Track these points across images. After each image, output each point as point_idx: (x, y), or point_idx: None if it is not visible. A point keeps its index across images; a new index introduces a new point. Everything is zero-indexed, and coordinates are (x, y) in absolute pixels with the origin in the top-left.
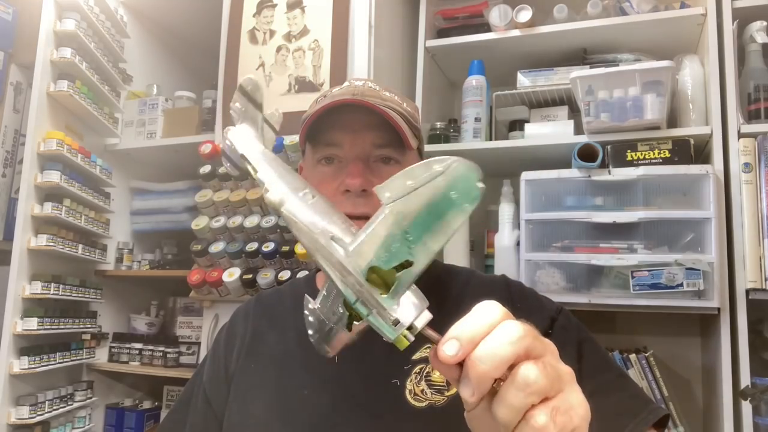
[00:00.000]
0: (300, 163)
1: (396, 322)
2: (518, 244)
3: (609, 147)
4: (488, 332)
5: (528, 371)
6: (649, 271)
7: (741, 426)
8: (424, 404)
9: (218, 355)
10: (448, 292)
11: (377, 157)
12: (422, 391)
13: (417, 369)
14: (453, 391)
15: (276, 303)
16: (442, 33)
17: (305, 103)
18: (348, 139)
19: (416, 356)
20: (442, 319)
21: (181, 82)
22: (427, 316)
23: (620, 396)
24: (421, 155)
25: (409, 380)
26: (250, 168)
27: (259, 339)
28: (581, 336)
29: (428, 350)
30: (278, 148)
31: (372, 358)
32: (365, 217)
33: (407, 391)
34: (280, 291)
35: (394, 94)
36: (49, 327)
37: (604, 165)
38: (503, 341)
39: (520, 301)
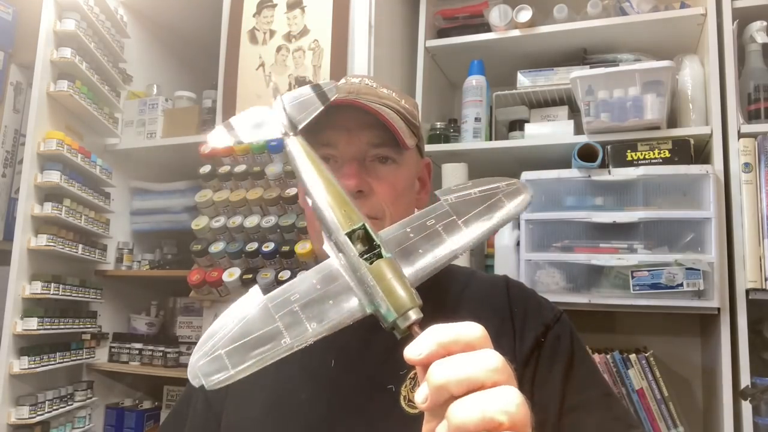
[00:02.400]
0: None
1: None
2: (518, 244)
3: (609, 147)
4: (463, 348)
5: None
6: (649, 271)
7: (741, 426)
8: (417, 411)
9: None
10: (447, 293)
11: (373, 156)
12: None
13: (411, 374)
14: None
15: None
16: (442, 33)
17: None
18: (343, 138)
19: None
20: (441, 320)
21: (181, 82)
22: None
23: (603, 416)
24: (421, 153)
25: (403, 386)
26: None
27: None
28: (574, 347)
29: None
30: (278, 148)
31: (369, 362)
32: None
33: (402, 397)
34: None
35: (392, 90)
36: (49, 327)
37: (604, 165)
38: (475, 363)
39: (518, 304)
